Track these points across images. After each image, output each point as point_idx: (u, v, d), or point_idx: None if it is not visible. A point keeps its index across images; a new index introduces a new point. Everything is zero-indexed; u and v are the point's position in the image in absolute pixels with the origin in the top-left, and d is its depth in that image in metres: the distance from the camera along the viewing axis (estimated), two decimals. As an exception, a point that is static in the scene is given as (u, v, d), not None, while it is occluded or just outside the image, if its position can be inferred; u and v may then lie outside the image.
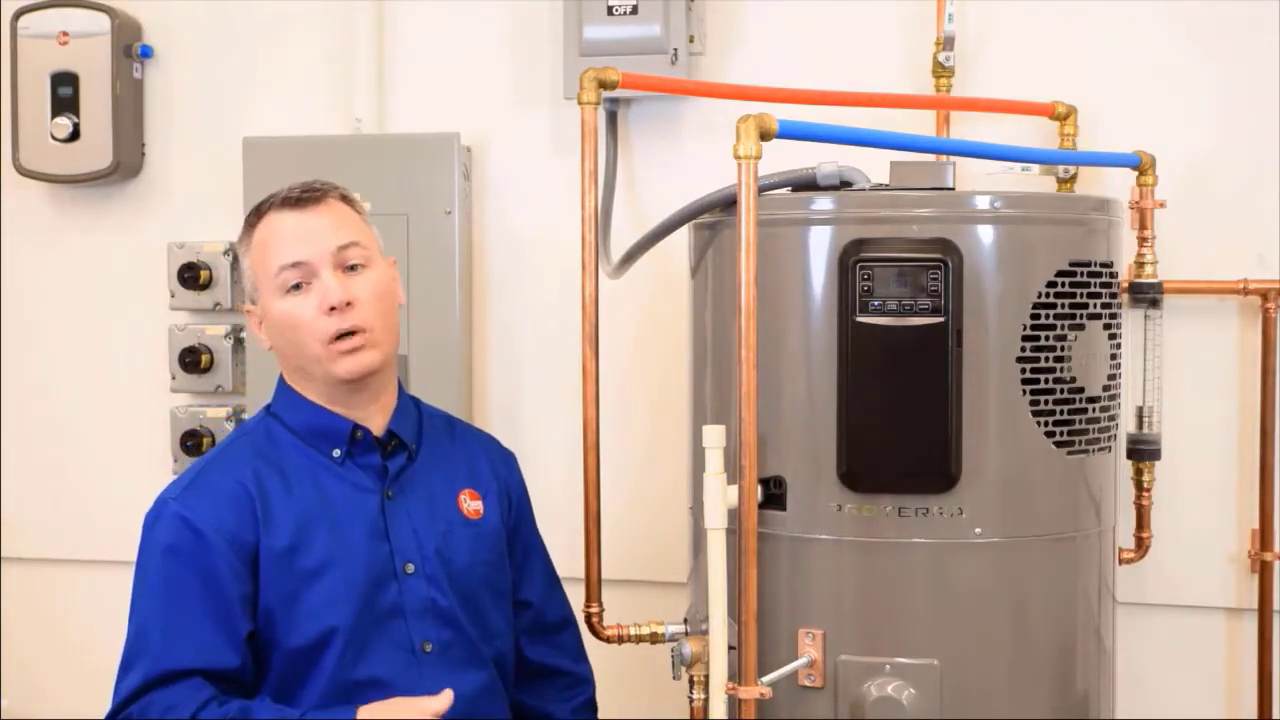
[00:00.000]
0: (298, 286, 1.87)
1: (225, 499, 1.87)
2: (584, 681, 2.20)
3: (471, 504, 2.03)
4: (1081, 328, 2.04)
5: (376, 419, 1.95)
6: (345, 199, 1.95)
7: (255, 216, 1.93)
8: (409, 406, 2.03)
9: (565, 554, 2.53)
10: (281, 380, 1.98)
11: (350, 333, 1.87)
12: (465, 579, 1.97)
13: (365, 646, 1.88)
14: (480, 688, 1.97)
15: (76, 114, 3.02)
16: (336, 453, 1.93)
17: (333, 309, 1.85)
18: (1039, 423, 2.00)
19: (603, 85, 2.32)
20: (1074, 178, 2.67)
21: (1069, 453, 2.04)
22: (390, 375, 1.98)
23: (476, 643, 1.97)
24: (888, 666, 1.98)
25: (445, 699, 1.79)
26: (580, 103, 2.31)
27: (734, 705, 1.93)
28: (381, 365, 1.92)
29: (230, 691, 1.83)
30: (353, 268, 1.89)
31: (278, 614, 1.86)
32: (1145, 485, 2.63)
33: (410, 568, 1.92)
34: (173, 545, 1.85)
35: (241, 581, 1.85)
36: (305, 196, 1.91)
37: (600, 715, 2.79)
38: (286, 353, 1.93)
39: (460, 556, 1.97)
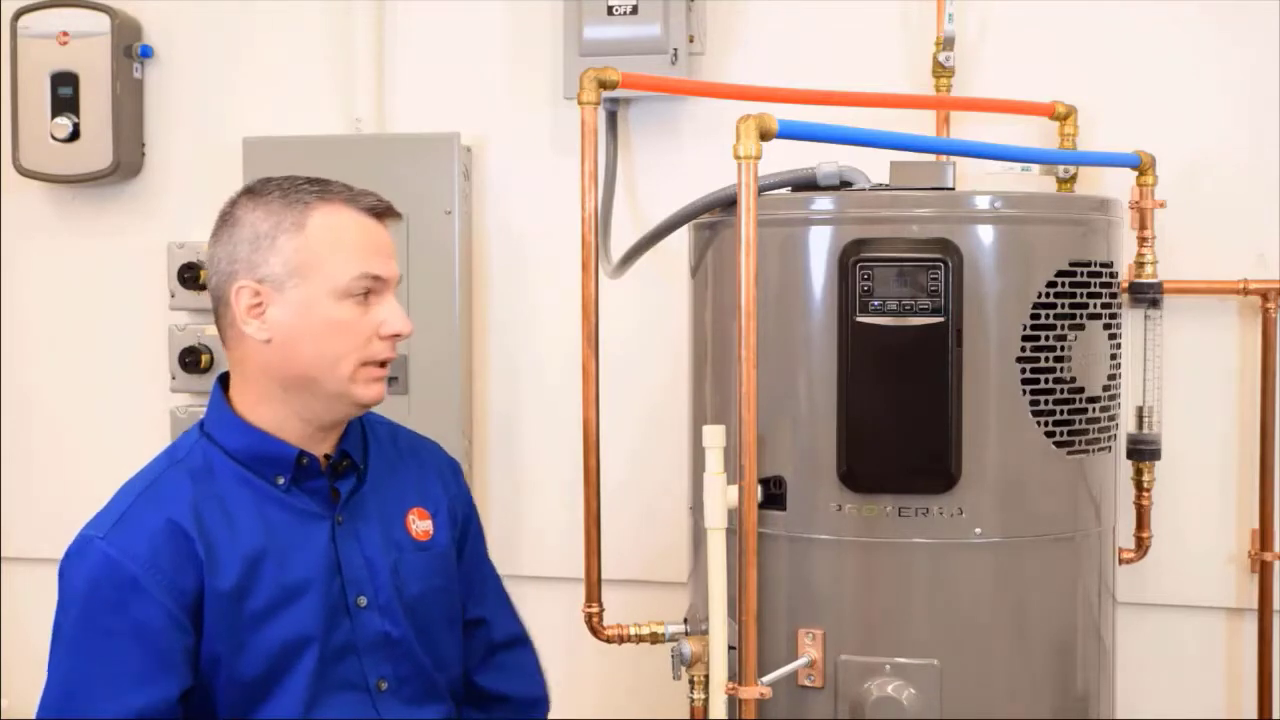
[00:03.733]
0: (364, 296, 1.74)
1: (161, 537, 1.69)
2: (540, 704, 2.06)
3: (421, 524, 1.89)
4: (1081, 328, 2.04)
5: (328, 442, 1.82)
6: None
7: (313, 197, 1.74)
8: (355, 423, 1.87)
9: (565, 554, 2.53)
10: (219, 396, 1.82)
11: (384, 362, 1.78)
12: (419, 608, 1.84)
13: (320, 691, 1.75)
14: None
15: (76, 114, 3.02)
16: (281, 480, 1.77)
17: (394, 335, 1.76)
18: (1039, 423, 2.00)
19: (603, 85, 2.32)
20: (1074, 178, 2.67)
21: (1069, 453, 2.04)
22: None
23: (431, 674, 1.86)
24: (888, 666, 1.98)
25: None
26: (580, 103, 2.31)
27: (734, 705, 1.93)
28: None
29: None
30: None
31: (224, 659, 1.71)
32: (1145, 485, 2.63)
33: (363, 600, 1.79)
34: (98, 591, 1.68)
35: (183, 633, 1.68)
36: (385, 211, 1.79)
37: (600, 715, 2.79)
38: (304, 353, 1.73)
39: (413, 584, 1.84)
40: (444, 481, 1.98)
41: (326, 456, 1.82)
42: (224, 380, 1.85)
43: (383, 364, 1.78)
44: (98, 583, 1.69)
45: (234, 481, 1.76)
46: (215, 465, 1.77)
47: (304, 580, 1.75)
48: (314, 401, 1.77)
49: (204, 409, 2.98)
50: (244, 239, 1.74)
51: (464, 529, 1.99)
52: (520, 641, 2.06)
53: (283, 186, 1.77)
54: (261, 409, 1.79)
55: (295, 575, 1.75)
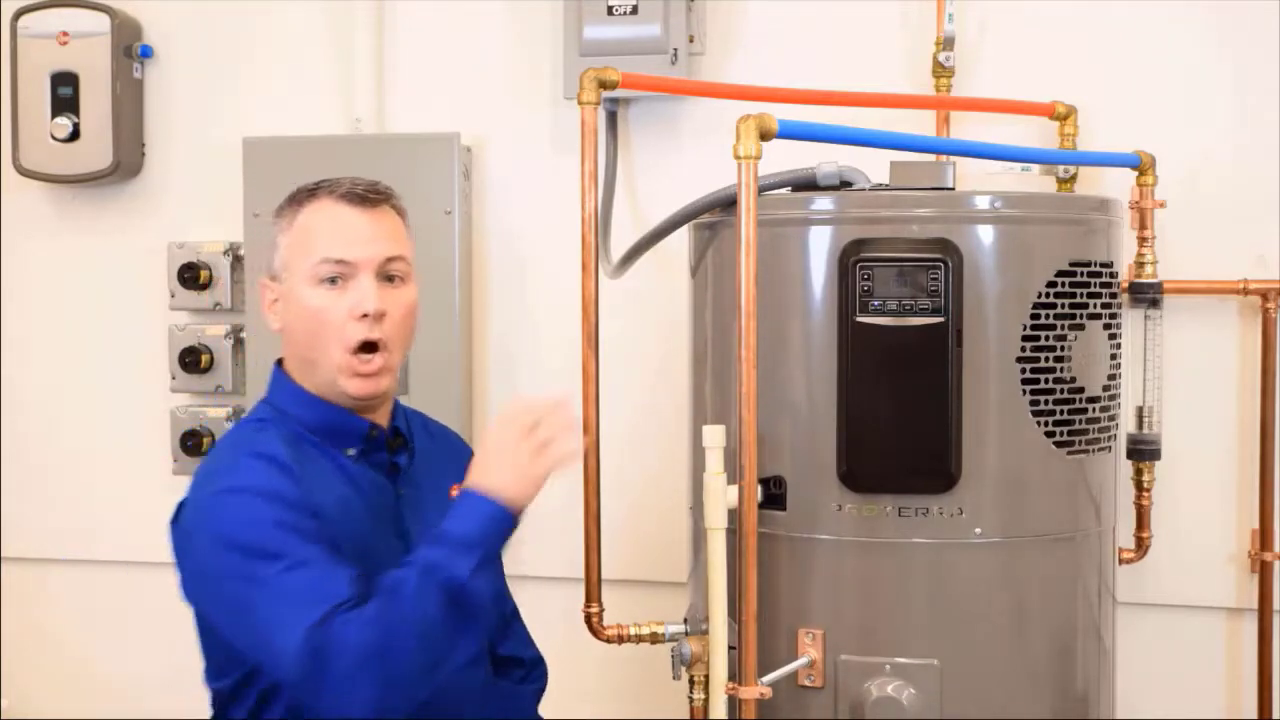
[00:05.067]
0: (333, 281, 1.82)
1: (278, 475, 1.76)
2: (540, 662, 2.13)
3: None
4: (1081, 328, 2.04)
5: (380, 420, 1.91)
6: (399, 210, 1.92)
7: (306, 195, 1.86)
8: (399, 406, 1.98)
9: (565, 554, 2.53)
10: (282, 374, 1.90)
11: (373, 346, 1.82)
12: None
13: None
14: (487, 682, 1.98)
15: (76, 114, 3.02)
16: (351, 452, 1.87)
17: (364, 316, 1.80)
18: (1039, 423, 2.00)
19: (603, 85, 2.32)
20: (1074, 178, 2.67)
21: (1069, 453, 2.04)
22: (393, 390, 1.93)
23: None
24: (888, 666, 1.98)
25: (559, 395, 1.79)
26: (580, 103, 2.31)
27: (734, 705, 1.93)
28: (391, 390, 1.90)
29: None
30: (390, 279, 1.85)
31: None
32: (1145, 485, 2.63)
33: None
34: (252, 515, 1.72)
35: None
36: (371, 196, 1.86)
37: (600, 715, 2.79)
38: (299, 341, 1.86)
39: None
40: (466, 468, 2.03)
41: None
42: (280, 364, 1.94)
43: (371, 348, 1.82)
44: (247, 510, 1.72)
45: (312, 450, 1.85)
46: (296, 434, 1.85)
47: (379, 544, 1.83)
48: (323, 387, 1.86)
49: (204, 409, 3.02)
50: (266, 239, 1.90)
51: None
52: (517, 612, 2.14)
53: (299, 189, 1.89)
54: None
55: (374, 539, 1.83)
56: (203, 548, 1.75)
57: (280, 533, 1.70)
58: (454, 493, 1.95)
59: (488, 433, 1.80)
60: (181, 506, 1.85)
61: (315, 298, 1.82)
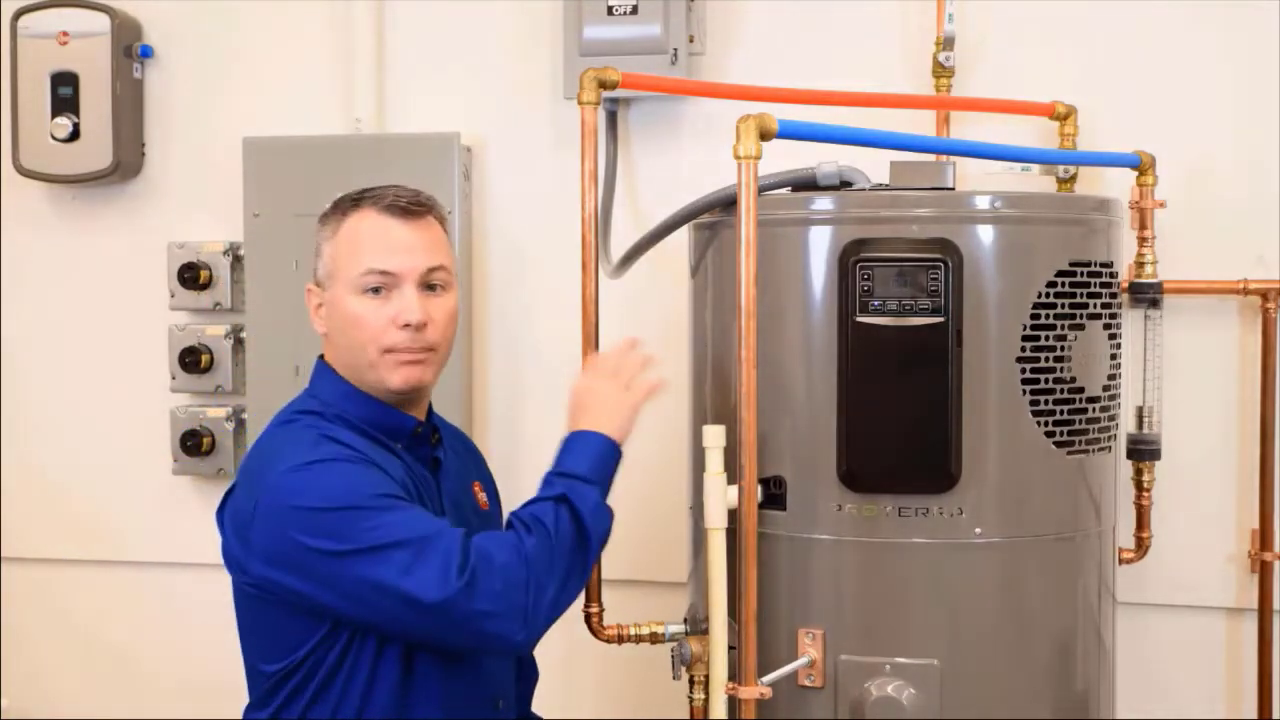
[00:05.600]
0: (376, 290, 1.87)
1: (359, 452, 1.84)
2: (533, 658, 2.19)
3: (480, 495, 2.09)
4: (1081, 328, 2.04)
5: (419, 416, 1.98)
6: (441, 219, 1.96)
7: (350, 205, 1.92)
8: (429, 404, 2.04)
9: (565, 554, 2.51)
10: (327, 369, 1.95)
11: (428, 349, 1.89)
12: None
13: None
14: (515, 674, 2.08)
15: (76, 114, 3.02)
16: (398, 446, 1.93)
17: (406, 325, 1.86)
18: (1039, 423, 2.00)
19: (603, 85, 2.32)
20: (1074, 178, 2.67)
21: (1069, 453, 2.04)
22: (433, 385, 1.98)
23: None
24: (888, 666, 1.98)
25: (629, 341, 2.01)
26: (580, 103, 2.31)
27: (734, 705, 1.93)
28: (431, 383, 1.95)
29: None
30: (432, 288, 1.90)
31: None
32: (1145, 485, 2.63)
33: None
34: (352, 463, 1.80)
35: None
36: (413, 208, 1.91)
37: (600, 715, 2.79)
38: (340, 345, 1.92)
39: None
40: (482, 466, 2.19)
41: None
42: (323, 359, 1.99)
43: (412, 350, 1.88)
44: (344, 476, 1.78)
45: (368, 440, 1.89)
46: (349, 425, 1.90)
47: None
48: (368, 386, 1.91)
49: (204, 409, 3.02)
50: (314, 248, 1.96)
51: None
52: None
53: (343, 198, 1.94)
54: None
55: None
56: (287, 519, 1.77)
57: (383, 493, 1.78)
58: (476, 489, 2.08)
59: (576, 387, 1.99)
60: (229, 494, 1.89)
61: (359, 306, 1.88)
